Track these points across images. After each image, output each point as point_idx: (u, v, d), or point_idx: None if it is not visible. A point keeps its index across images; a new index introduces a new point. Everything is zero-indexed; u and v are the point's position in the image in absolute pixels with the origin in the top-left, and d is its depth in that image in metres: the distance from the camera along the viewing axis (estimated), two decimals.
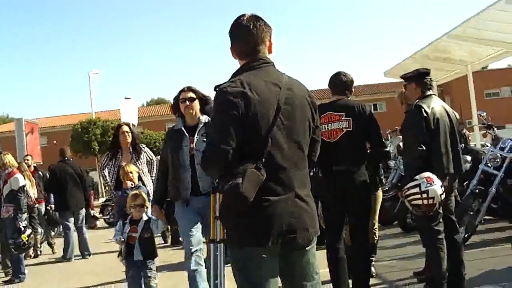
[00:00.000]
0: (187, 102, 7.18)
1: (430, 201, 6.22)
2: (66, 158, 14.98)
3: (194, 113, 7.22)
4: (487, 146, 11.65)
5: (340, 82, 7.24)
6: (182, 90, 7.32)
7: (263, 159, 3.66)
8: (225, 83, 3.82)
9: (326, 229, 7.03)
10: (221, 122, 3.71)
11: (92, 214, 16.10)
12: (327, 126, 6.90)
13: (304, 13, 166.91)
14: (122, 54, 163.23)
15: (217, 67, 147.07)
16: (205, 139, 6.64)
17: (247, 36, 3.98)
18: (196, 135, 7.09)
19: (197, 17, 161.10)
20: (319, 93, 57.97)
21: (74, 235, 14.39)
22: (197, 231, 6.97)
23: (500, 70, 72.01)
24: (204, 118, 7.21)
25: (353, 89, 7.36)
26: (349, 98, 7.24)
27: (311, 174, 6.64)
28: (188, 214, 7.03)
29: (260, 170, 3.60)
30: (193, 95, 7.25)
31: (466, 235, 9.54)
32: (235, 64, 4.12)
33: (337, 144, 6.88)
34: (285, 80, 3.95)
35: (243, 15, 4.05)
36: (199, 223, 7.00)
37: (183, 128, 7.19)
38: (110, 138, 43.97)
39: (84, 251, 14.42)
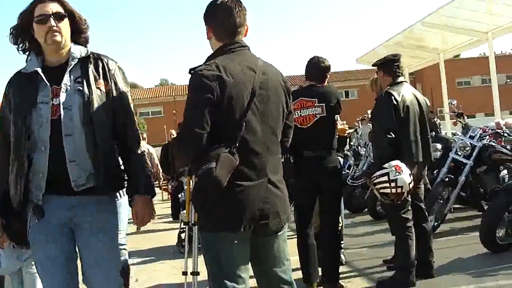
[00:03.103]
0: (51, 22, 3.97)
1: (399, 189, 6.21)
2: None
3: (62, 42, 4.04)
4: (458, 134, 11.65)
5: (315, 68, 7.11)
6: (38, 1, 4.03)
7: (237, 144, 3.64)
8: (200, 66, 3.79)
9: (296, 214, 7.00)
10: (195, 105, 3.67)
11: None
12: (300, 112, 6.82)
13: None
14: (92, 37, 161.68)
15: (193, 52, 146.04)
16: (81, 88, 3.96)
17: (229, 19, 3.93)
18: (64, 82, 3.98)
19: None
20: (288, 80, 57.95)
21: None
22: (66, 278, 4.00)
23: (472, 59, 72.60)
24: (78, 51, 4.13)
25: (327, 76, 7.17)
26: (324, 85, 7.12)
27: (282, 160, 6.66)
28: (46, 239, 3.98)
29: (234, 154, 3.60)
30: (60, 9, 4.05)
31: (435, 224, 9.59)
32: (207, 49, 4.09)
33: (310, 130, 6.80)
34: (260, 64, 3.93)
35: None
36: (69, 254, 4.05)
37: (39, 71, 4.01)
38: None
39: None
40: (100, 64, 4.11)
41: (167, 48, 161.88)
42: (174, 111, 52.53)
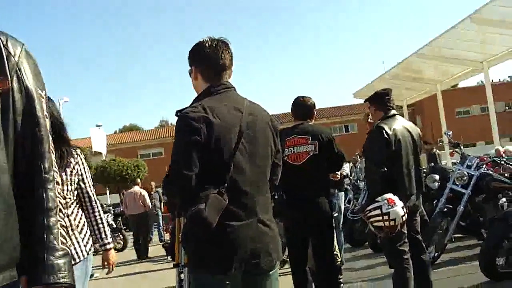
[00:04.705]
0: None
1: (392, 222, 6.20)
2: None
3: None
4: (456, 164, 11.69)
5: (301, 107, 7.22)
6: None
7: (226, 184, 3.63)
8: (187, 108, 3.80)
9: (289, 253, 7.01)
10: (183, 147, 3.67)
11: None
12: (293, 149, 6.88)
13: (271, 34, 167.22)
14: (92, 81, 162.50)
15: (190, 93, 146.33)
16: None
17: (217, 60, 3.94)
18: None
19: (169, 42, 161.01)
20: (286, 117, 58.24)
21: None
22: None
23: (470, 88, 72.82)
24: None
25: (314, 113, 7.31)
26: (310, 123, 7.19)
27: (276, 197, 6.68)
28: None
29: (223, 195, 3.57)
30: None
31: (435, 254, 9.59)
32: None
33: (302, 167, 6.85)
34: (246, 105, 3.94)
35: (212, 38, 4.02)
36: None
37: None
38: None
39: None
40: None
41: (167, 89, 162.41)
42: None
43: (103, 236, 5.07)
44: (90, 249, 4.72)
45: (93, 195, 4.99)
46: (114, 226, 22.06)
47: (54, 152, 2.41)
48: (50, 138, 2.39)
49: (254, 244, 3.73)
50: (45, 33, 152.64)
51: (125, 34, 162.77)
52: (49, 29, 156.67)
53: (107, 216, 21.13)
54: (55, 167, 2.38)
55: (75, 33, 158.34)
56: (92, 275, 14.47)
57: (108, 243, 5.19)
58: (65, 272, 2.26)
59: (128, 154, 59.19)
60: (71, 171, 4.81)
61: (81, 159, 4.95)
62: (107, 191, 48.23)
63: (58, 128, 4.66)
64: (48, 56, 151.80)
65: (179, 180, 3.63)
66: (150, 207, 18.48)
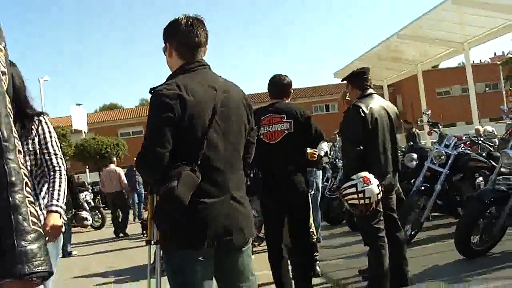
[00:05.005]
0: None
1: (367, 200, 6.20)
2: None
3: None
4: (434, 143, 11.73)
5: (277, 85, 7.19)
6: None
7: (199, 161, 3.64)
8: (160, 85, 3.78)
9: (265, 231, 7.00)
10: (156, 124, 3.67)
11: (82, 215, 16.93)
12: (269, 127, 6.86)
13: (253, 15, 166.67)
14: (73, 59, 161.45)
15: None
16: None
17: (192, 37, 3.92)
18: None
19: (148, 20, 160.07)
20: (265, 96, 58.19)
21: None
22: None
23: (451, 69, 73.12)
24: None
25: (291, 92, 7.28)
26: (287, 101, 7.17)
27: (251, 175, 6.66)
28: None
29: (195, 172, 3.59)
30: None
31: (412, 232, 9.68)
32: None
33: (278, 146, 6.84)
34: (221, 82, 3.94)
35: (187, 16, 3.99)
36: None
37: None
38: (62, 145, 43.16)
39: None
40: None
41: (148, 69, 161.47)
42: None
43: (55, 197, 4.45)
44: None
45: (58, 165, 4.57)
46: (92, 204, 22.07)
47: (12, 115, 1.93)
48: (8, 99, 1.93)
49: (226, 221, 3.75)
50: (25, 13, 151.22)
51: (106, 13, 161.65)
52: (29, 8, 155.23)
53: (85, 194, 21.17)
54: (15, 133, 1.91)
55: (56, 12, 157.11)
56: (70, 253, 14.62)
57: (56, 205, 4.43)
58: (41, 259, 1.81)
59: (108, 133, 58.87)
60: (33, 139, 4.47)
61: (46, 123, 4.58)
62: (87, 170, 48.13)
63: (20, 94, 4.40)
64: (28, 35, 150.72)
65: (152, 157, 3.63)
66: (126, 184, 18.49)
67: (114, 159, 20.65)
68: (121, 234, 18.30)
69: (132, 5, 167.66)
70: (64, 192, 4.55)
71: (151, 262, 4.94)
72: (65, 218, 4.59)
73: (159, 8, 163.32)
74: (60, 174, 4.57)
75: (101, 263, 12.72)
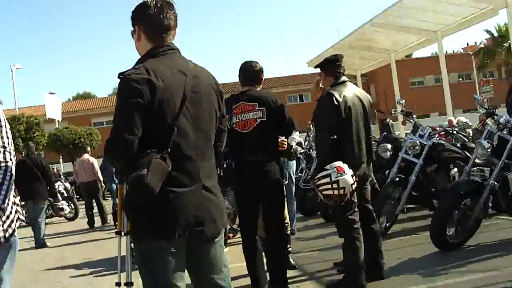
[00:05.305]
0: None
1: (341, 191, 6.13)
2: (30, 153, 15.50)
3: None
4: (408, 134, 11.69)
5: (248, 72, 7.06)
6: None
7: (169, 149, 3.54)
8: (129, 70, 3.65)
9: (240, 222, 6.92)
10: (124, 110, 3.54)
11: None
12: (241, 116, 6.74)
13: (223, 3, 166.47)
14: (45, 48, 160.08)
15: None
16: None
17: (161, 19, 3.81)
18: None
19: (122, 7, 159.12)
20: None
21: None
22: None
23: (425, 58, 73.45)
24: None
25: (262, 78, 7.16)
26: (258, 88, 7.05)
27: (224, 165, 6.57)
28: None
29: (166, 160, 3.49)
30: None
31: (387, 224, 9.64)
32: None
33: (251, 135, 6.72)
34: (191, 67, 3.84)
35: None
36: None
37: None
38: (35, 135, 42.71)
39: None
40: None
41: (119, 56, 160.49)
42: None
43: None
44: (12, 233, 3.94)
45: (5, 161, 4.08)
46: (66, 194, 21.88)
47: None
48: None
49: (198, 211, 3.67)
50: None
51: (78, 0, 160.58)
52: None
53: (59, 184, 21.01)
54: None
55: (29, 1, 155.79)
56: (44, 244, 14.48)
57: None
58: None
59: (81, 122, 58.49)
60: None
61: None
62: (61, 159, 47.79)
63: None
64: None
65: (121, 144, 3.50)
66: (100, 174, 18.38)
67: (88, 148, 20.56)
68: (108, 222, 18.22)
69: None
70: (7, 192, 4.01)
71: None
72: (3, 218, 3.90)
73: None
74: (5, 171, 4.05)
75: (76, 255, 12.56)
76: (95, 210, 18.79)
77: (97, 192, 18.80)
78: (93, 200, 18.83)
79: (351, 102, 6.58)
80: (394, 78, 22.95)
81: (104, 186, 19.81)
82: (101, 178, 18.36)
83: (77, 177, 19.43)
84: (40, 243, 14.65)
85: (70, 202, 21.02)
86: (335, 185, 6.12)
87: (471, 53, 70.65)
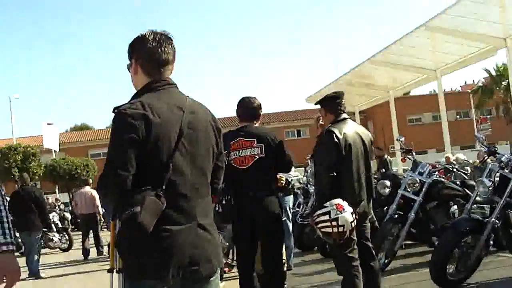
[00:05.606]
0: None
1: (340, 229, 6.06)
2: (24, 184, 15.69)
3: None
4: (407, 171, 11.64)
5: (246, 108, 7.08)
6: None
7: (164, 186, 3.43)
8: (124, 104, 3.56)
9: (237, 258, 6.86)
10: (119, 146, 3.44)
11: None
12: (239, 152, 6.75)
13: (223, 34, 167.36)
14: (44, 79, 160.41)
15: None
16: None
17: (160, 55, 3.74)
18: None
19: (120, 41, 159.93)
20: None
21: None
22: None
23: (423, 96, 73.76)
24: None
25: (261, 114, 7.16)
26: (256, 125, 7.03)
27: (223, 202, 6.51)
28: None
29: (160, 198, 3.37)
30: None
31: (386, 261, 9.54)
32: None
33: (249, 171, 6.72)
34: (188, 103, 3.74)
35: (154, 32, 3.80)
36: None
37: None
38: (31, 165, 42.68)
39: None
40: None
41: (118, 89, 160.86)
42: None
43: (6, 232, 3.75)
44: None
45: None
46: (60, 225, 21.80)
47: None
48: None
49: (193, 250, 3.54)
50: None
51: (76, 32, 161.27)
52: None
53: (53, 215, 20.97)
54: None
55: (26, 30, 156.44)
56: (37, 275, 14.42)
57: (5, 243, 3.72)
58: None
59: (78, 154, 58.48)
60: None
61: None
62: (57, 190, 47.69)
63: None
64: None
65: (114, 180, 3.39)
66: (100, 208, 18.34)
67: (90, 181, 20.44)
68: (104, 254, 17.97)
69: (103, 28, 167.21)
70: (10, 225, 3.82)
71: None
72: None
73: (130, 29, 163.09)
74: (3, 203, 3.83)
75: (70, 287, 12.44)
76: (91, 241, 18.63)
77: (96, 224, 18.69)
78: (91, 232, 18.70)
79: (351, 139, 6.54)
80: (393, 115, 22.99)
81: (103, 219, 19.75)
82: (101, 211, 18.30)
83: (77, 208, 19.37)
84: (33, 273, 14.55)
85: (64, 233, 20.96)
86: (334, 223, 6.06)
87: (469, 91, 71.06)
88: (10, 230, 3.71)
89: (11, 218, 3.82)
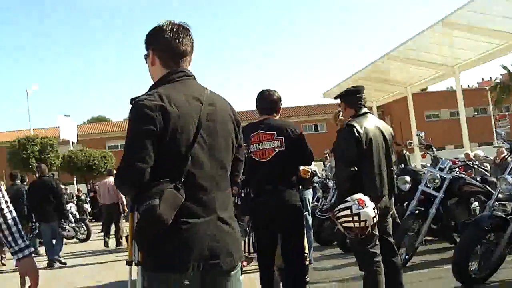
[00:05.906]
0: None
1: (362, 224, 6.01)
2: (42, 175, 15.81)
3: None
4: (427, 166, 11.56)
5: (266, 101, 7.04)
6: None
7: (182, 179, 3.38)
8: (142, 95, 3.51)
9: (258, 252, 6.84)
10: (136, 138, 3.39)
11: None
12: (259, 145, 6.70)
13: (241, 31, 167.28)
14: (62, 70, 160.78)
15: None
16: None
17: (178, 46, 3.68)
18: None
19: (138, 32, 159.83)
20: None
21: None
22: None
23: (440, 92, 73.44)
24: None
25: (281, 107, 7.14)
26: (276, 117, 7.03)
27: (242, 194, 6.48)
28: None
29: (179, 190, 3.33)
30: None
31: (406, 257, 9.51)
32: None
33: (269, 164, 6.68)
34: (206, 94, 3.67)
35: (172, 22, 3.74)
36: None
37: None
38: (49, 156, 42.84)
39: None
40: None
41: (135, 81, 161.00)
42: None
43: (14, 238, 3.84)
44: None
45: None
46: (78, 216, 21.91)
47: None
48: None
49: (213, 243, 3.48)
50: (8, 20, 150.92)
51: (96, 25, 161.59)
52: (20, 17, 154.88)
53: (71, 206, 21.08)
54: None
55: (47, 23, 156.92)
56: (54, 263, 14.55)
57: (20, 250, 3.84)
58: None
59: (96, 145, 58.53)
60: None
61: None
62: (75, 181, 47.85)
63: None
64: (16, 43, 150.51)
65: (132, 173, 3.36)
66: (124, 198, 18.38)
67: (114, 171, 20.35)
68: (122, 245, 18.11)
69: (121, 20, 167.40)
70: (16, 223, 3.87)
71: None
72: None
73: (149, 21, 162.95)
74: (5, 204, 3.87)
75: (88, 277, 12.50)
76: (112, 232, 18.79)
77: (118, 215, 18.79)
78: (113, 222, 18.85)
79: (372, 134, 6.50)
80: (411, 111, 22.90)
81: (127, 209, 19.85)
82: (125, 202, 18.31)
83: (100, 198, 19.63)
84: (53, 261, 14.77)
85: (82, 224, 21.10)
86: (356, 218, 6.01)
87: (487, 88, 70.72)
88: (18, 231, 3.78)
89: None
